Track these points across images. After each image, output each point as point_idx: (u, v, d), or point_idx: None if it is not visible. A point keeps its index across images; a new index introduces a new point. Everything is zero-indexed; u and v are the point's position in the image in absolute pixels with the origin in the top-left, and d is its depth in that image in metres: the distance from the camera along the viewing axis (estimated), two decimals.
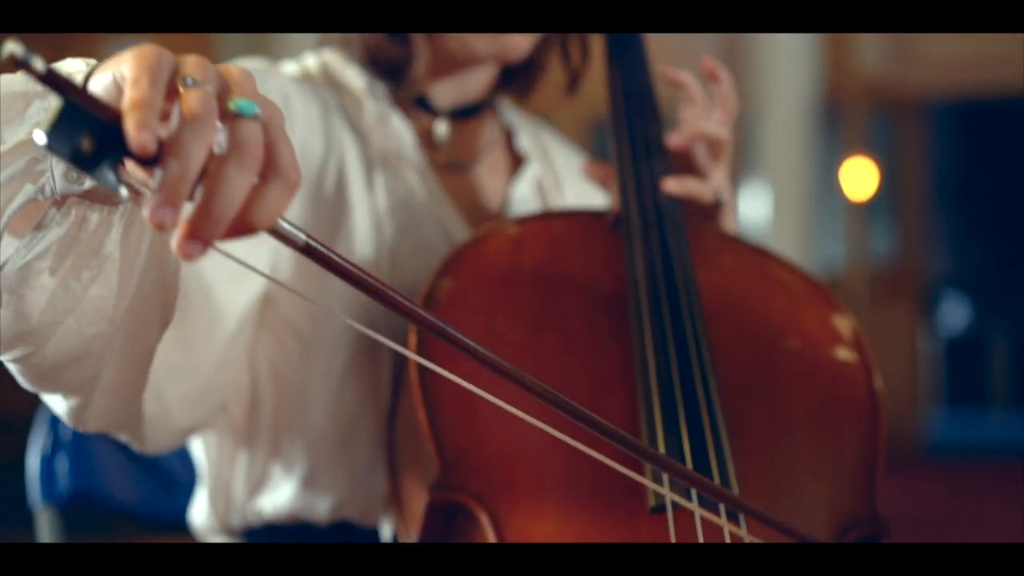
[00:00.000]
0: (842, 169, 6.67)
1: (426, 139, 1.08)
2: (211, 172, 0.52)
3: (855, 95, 6.52)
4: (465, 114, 1.10)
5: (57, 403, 0.77)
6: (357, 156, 1.01)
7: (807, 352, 0.93)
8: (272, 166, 0.54)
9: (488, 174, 1.11)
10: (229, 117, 0.54)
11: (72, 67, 0.61)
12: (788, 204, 5.87)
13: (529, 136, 1.16)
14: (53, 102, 0.53)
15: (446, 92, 1.08)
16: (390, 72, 1.04)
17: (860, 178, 6.70)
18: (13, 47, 0.48)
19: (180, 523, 1.06)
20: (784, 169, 5.90)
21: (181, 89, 0.54)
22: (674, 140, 1.00)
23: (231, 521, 1.01)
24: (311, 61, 1.07)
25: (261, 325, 0.97)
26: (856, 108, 6.61)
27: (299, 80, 1.02)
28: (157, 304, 0.72)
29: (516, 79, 1.13)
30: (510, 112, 1.17)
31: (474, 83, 1.09)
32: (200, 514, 1.03)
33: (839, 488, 0.87)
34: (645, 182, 0.98)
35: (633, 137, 1.02)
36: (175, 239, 0.52)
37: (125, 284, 0.68)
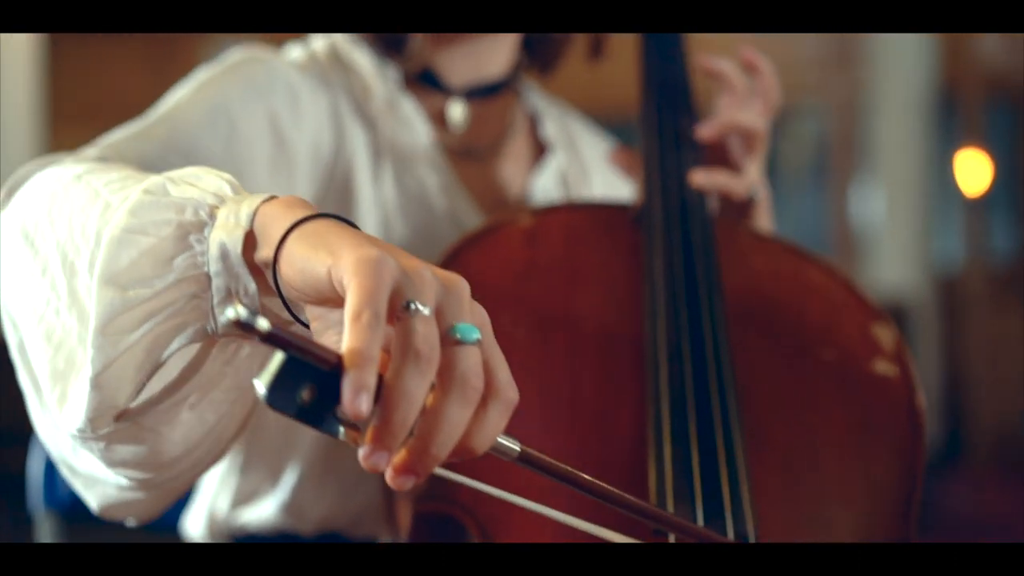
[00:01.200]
0: (955, 162, 6.42)
1: (440, 123, 1.01)
2: (431, 408, 0.49)
3: (973, 85, 6.25)
4: (482, 93, 1.02)
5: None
6: (365, 146, 0.95)
7: (842, 364, 0.85)
8: (491, 389, 0.51)
9: (509, 163, 1.04)
10: (449, 343, 0.50)
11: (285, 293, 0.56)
12: (903, 201, 5.67)
13: (556, 123, 1.09)
14: (275, 356, 0.48)
15: (460, 67, 1.00)
16: (392, 45, 0.97)
17: (974, 171, 6.43)
18: (238, 311, 0.46)
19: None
20: (899, 164, 5.70)
21: (402, 315, 0.50)
22: (705, 131, 0.93)
23: (217, 535, 0.97)
24: (319, 44, 1.01)
25: None
26: (974, 99, 6.34)
27: (306, 68, 0.96)
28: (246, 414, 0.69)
29: (537, 51, 1.05)
30: (535, 96, 1.09)
31: (491, 58, 1.01)
32: (189, 526, 1.01)
33: (872, 516, 0.80)
34: (671, 175, 0.91)
35: (663, 128, 0.95)
36: (388, 472, 0.49)
37: (246, 407, 0.66)
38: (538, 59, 1.06)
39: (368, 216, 0.94)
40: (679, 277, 0.85)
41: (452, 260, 0.85)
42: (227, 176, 0.59)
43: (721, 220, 0.93)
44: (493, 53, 1.01)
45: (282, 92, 0.90)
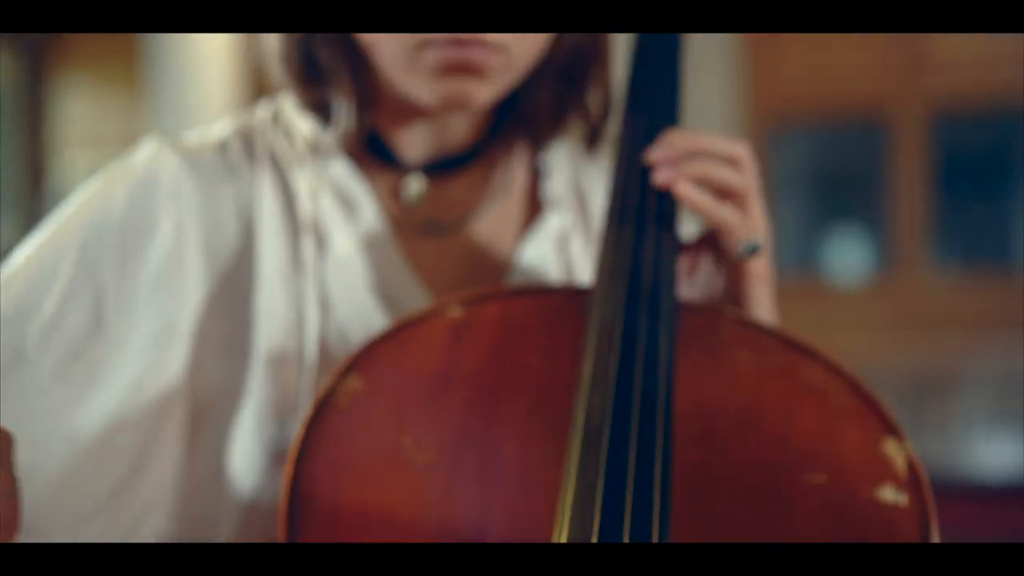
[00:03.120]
0: None
1: (392, 198, 0.87)
2: None
3: None
4: (446, 167, 0.88)
5: None
6: (283, 225, 0.83)
7: (837, 488, 0.68)
8: None
9: (492, 230, 0.89)
10: None
11: None
12: None
13: (567, 175, 0.93)
14: None
15: (417, 142, 0.87)
16: (328, 110, 0.85)
17: None
18: None
19: None
20: None
21: None
22: (661, 175, 0.76)
23: None
24: (263, 111, 0.90)
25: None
26: None
27: (212, 164, 0.84)
28: None
29: (520, 124, 0.90)
30: (555, 143, 0.94)
31: (456, 129, 0.88)
32: None
33: None
34: (636, 248, 0.75)
35: (627, 188, 0.79)
36: None
37: None
38: (523, 130, 0.91)
39: (276, 303, 0.81)
40: (610, 387, 0.68)
41: (352, 365, 0.72)
42: None
43: (697, 306, 0.77)
44: (458, 125, 0.88)
45: (163, 194, 0.81)
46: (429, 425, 0.69)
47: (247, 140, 0.87)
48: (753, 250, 0.76)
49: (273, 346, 0.81)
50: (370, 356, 0.72)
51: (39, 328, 0.77)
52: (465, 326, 0.74)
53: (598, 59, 0.89)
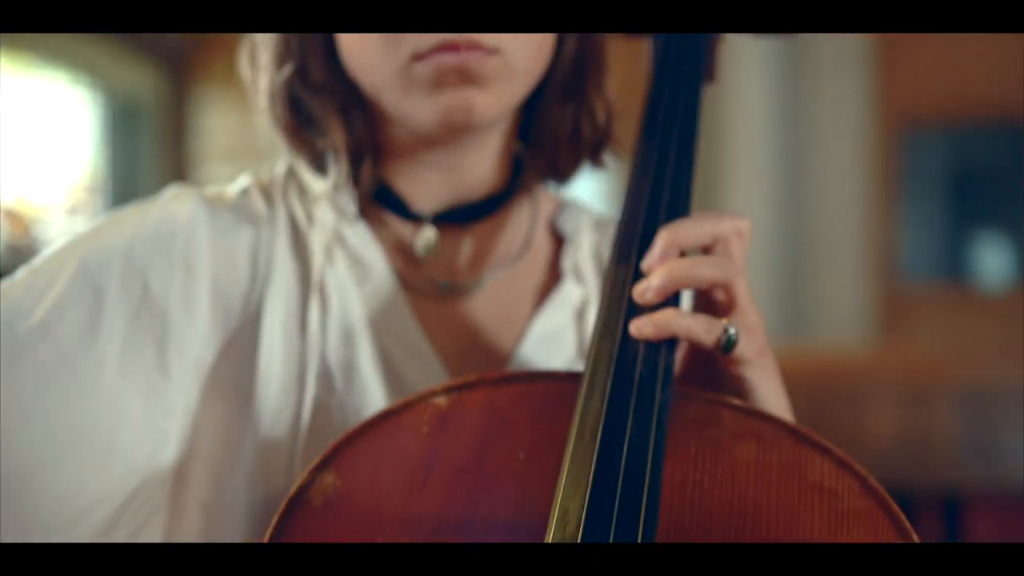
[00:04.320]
0: None
1: (404, 253, 0.84)
2: None
3: None
4: (460, 218, 0.85)
5: None
6: (295, 283, 0.81)
7: None
8: None
9: (508, 294, 0.85)
10: None
11: None
12: None
13: (589, 244, 0.89)
14: None
15: (430, 190, 0.84)
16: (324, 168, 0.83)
17: None
18: None
19: None
20: None
21: None
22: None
23: None
24: (280, 166, 0.88)
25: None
26: None
27: (231, 207, 0.83)
28: None
29: (540, 157, 0.86)
30: (574, 207, 0.90)
31: (473, 173, 0.84)
32: None
33: None
34: (624, 334, 0.69)
35: (617, 281, 0.73)
36: None
37: None
38: (544, 167, 0.87)
39: (278, 363, 0.79)
40: (584, 489, 0.63)
41: (327, 460, 0.68)
42: None
43: (697, 395, 0.71)
44: (474, 166, 0.84)
45: (179, 244, 0.80)
46: (405, 524, 0.66)
47: (266, 193, 0.85)
48: (730, 344, 0.70)
49: (269, 407, 0.78)
50: (347, 451, 0.69)
51: (27, 329, 0.75)
52: (449, 416, 0.70)
53: (597, 63, 0.86)
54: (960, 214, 5.05)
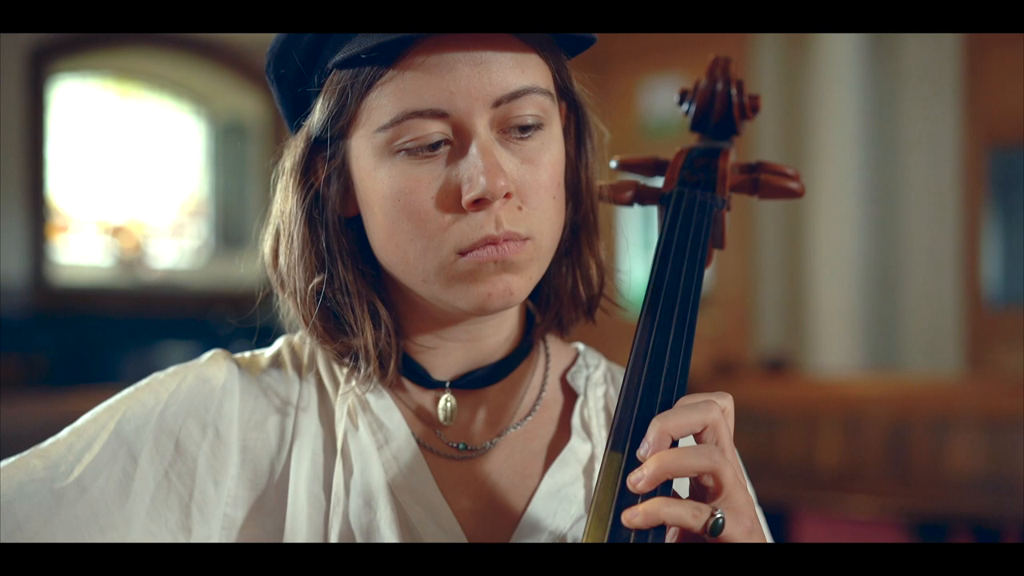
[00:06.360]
0: None
1: (423, 417, 0.92)
2: None
3: None
4: (480, 384, 0.92)
5: None
6: (322, 446, 0.89)
7: None
8: None
9: (521, 452, 0.92)
10: None
11: None
12: None
13: (599, 396, 0.96)
14: None
15: (451, 361, 0.92)
16: (356, 354, 0.90)
17: None
18: None
19: None
20: None
21: None
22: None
23: None
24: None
25: None
26: None
27: (263, 372, 0.92)
28: None
29: (550, 314, 0.95)
30: (586, 363, 0.98)
31: (491, 342, 0.92)
32: None
33: None
34: (616, 517, 0.75)
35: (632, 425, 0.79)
36: None
37: None
38: (552, 323, 0.96)
39: (299, 524, 0.86)
40: None
41: None
42: None
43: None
44: (494, 334, 0.92)
45: (210, 410, 0.89)
46: None
47: (296, 357, 0.94)
48: (717, 528, 0.75)
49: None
50: None
51: (65, 487, 0.85)
52: None
53: (588, 227, 0.94)
54: None
